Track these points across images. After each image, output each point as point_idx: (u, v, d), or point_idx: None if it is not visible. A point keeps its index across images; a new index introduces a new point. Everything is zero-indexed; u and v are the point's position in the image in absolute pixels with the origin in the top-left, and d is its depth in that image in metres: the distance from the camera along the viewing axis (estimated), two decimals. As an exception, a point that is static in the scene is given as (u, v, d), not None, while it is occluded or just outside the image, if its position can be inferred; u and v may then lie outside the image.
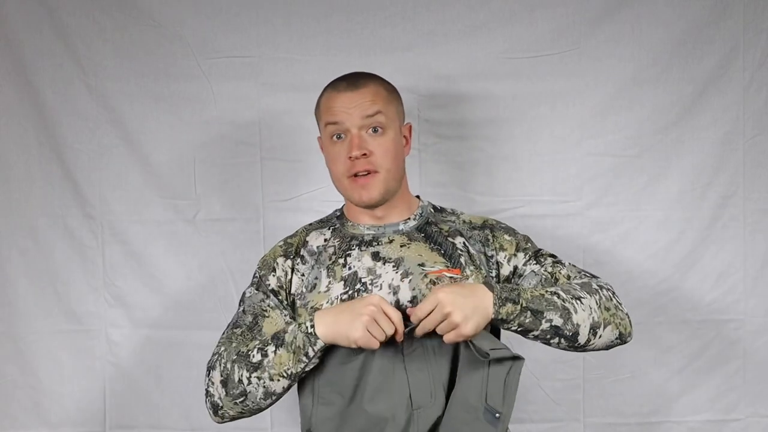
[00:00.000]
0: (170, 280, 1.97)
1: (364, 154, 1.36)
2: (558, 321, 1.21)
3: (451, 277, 1.36)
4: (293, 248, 1.46)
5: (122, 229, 1.97)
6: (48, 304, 1.98)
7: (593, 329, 1.25)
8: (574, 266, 1.41)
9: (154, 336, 1.98)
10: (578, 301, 1.24)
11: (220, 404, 1.31)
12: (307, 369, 1.26)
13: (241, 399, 1.28)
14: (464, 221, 1.46)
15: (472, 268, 1.38)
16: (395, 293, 1.35)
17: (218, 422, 1.35)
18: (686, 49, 1.89)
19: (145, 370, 1.99)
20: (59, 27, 1.93)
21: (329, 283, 1.39)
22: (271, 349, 1.26)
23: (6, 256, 1.98)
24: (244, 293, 1.46)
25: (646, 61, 1.89)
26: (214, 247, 1.97)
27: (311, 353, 1.23)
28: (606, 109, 1.91)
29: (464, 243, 1.41)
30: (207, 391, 1.32)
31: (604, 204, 1.93)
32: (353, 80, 1.40)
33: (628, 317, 1.33)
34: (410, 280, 1.37)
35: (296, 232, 1.51)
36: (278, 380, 1.25)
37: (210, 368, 1.33)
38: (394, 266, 1.37)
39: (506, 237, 1.43)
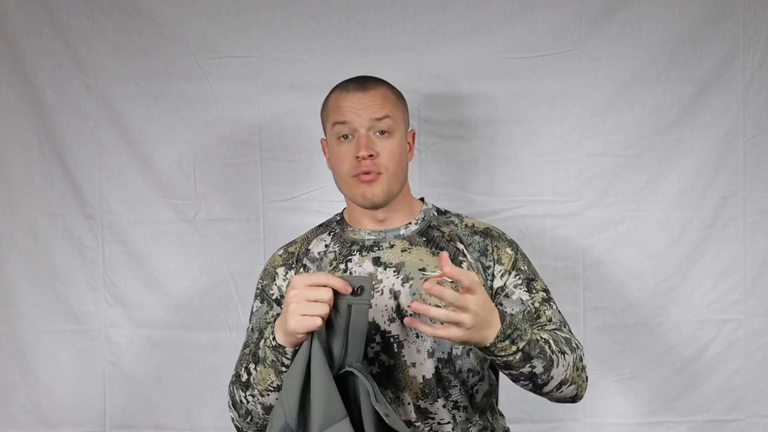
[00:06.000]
0: (170, 280, 1.97)
1: (371, 155, 1.35)
2: (539, 369, 1.19)
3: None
4: (294, 257, 1.45)
5: (122, 229, 1.97)
6: (48, 304, 1.98)
7: (561, 384, 1.23)
8: (559, 311, 1.38)
9: (154, 336, 1.98)
10: (562, 356, 1.22)
11: (239, 426, 1.32)
12: None
13: (249, 418, 1.28)
14: (466, 225, 1.45)
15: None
16: (396, 298, 1.35)
17: None
18: (686, 49, 1.89)
19: (145, 370, 1.99)
20: (59, 27, 1.93)
21: None
22: (252, 366, 1.25)
23: (6, 256, 1.98)
24: (251, 310, 1.45)
25: (646, 61, 1.89)
26: (214, 247, 1.97)
27: (287, 362, 1.19)
28: (606, 109, 1.91)
29: (463, 249, 1.40)
30: (231, 418, 1.33)
31: (604, 204, 1.93)
32: (362, 82, 1.40)
33: (587, 382, 1.32)
34: (411, 284, 1.36)
35: (296, 239, 1.50)
36: (268, 394, 1.24)
37: (227, 395, 1.33)
38: (395, 271, 1.37)
39: (507, 250, 1.41)
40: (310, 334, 1.13)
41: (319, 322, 1.11)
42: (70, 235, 1.97)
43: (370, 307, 1.15)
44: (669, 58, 1.89)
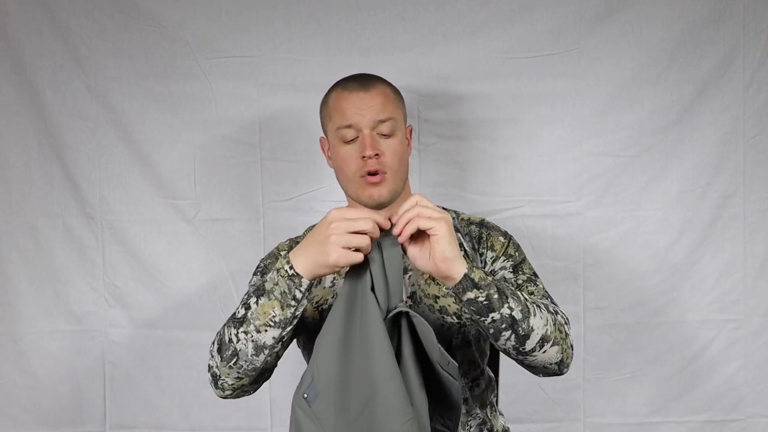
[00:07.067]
0: (170, 280, 1.97)
1: (377, 155, 1.36)
2: (517, 314, 1.17)
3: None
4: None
5: (122, 229, 1.97)
6: (48, 304, 1.98)
7: (543, 341, 1.21)
8: (546, 291, 1.37)
9: (154, 336, 1.98)
10: (538, 309, 1.21)
11: (218, 373, 1.27)
12: (297, 313, 1.20)
13: (234, 360, 1.24)
14: (462, 219, 1.47)
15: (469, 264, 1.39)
16: None
17: (221, 396, 1.31)
18: (686, 49, 1.89)
19: (145, 370, 1.99)
20: (59, 27, 1.93)
21: (334, 278, 1.40)
22: (252, 300, 1.21)
23: (6, 256, 1.98)
24: (248, 286, 1.45)
25: (646, 61, 1.89)
26: (214, 247, 1.97)
27: (299, 295, 1.17)
28: (606, 109, 1.91)
29: (460, 239, 1.42)
30: (208, 366, 1.30)
31: (604, 204, 1.93)
32: (363, 81, 1.40)
33: (572, 350, 1.29)
34: (410, 276, 1.38)
35: (301, 234, 1.52)
36: (265, 330, 1.19)
37: (211, 344, 1.31)
38: None
39: (500, 238, 1.43)
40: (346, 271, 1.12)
41: (361, 257, 1.11)
42: (70, 235, 1.97)
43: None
44: (669, 58, 1.89)
